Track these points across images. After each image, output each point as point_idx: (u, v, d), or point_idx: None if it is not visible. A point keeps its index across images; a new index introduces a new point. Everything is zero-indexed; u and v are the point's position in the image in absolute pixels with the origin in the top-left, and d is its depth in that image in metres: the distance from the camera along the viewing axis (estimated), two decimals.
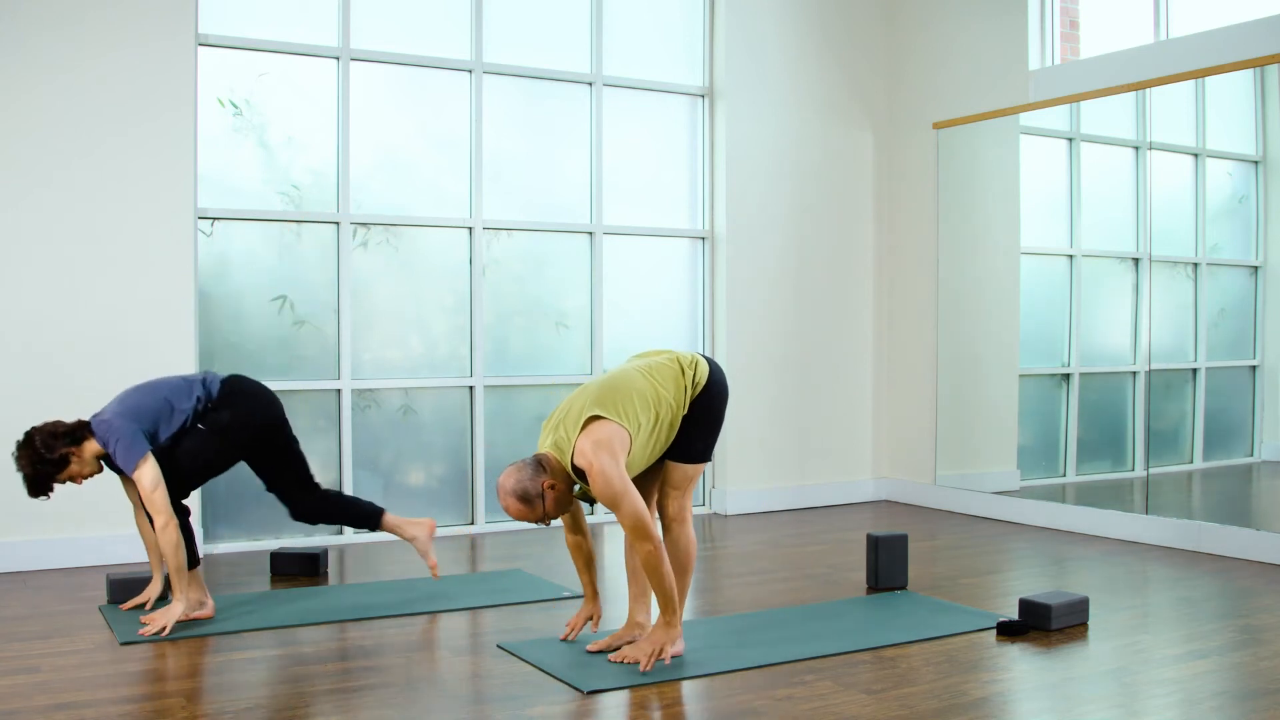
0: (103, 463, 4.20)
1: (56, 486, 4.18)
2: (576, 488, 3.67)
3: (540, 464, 3.58)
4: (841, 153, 7.19)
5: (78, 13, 5.25)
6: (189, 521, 4.30)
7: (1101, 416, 6.53)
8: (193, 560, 4.26)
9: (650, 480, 3.86)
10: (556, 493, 3.57)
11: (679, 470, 3.79)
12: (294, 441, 4.53)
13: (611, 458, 3.49)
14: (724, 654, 3.83)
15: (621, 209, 6.70)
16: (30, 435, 4.10)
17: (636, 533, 3.51)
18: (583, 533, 3.89)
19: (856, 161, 7.25)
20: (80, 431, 4.13)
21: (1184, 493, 6.09)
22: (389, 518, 4.66)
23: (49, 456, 4.07)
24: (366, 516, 4.65)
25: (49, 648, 3.94)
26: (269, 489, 4.55)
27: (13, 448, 4.13)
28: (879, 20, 7.29)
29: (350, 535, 5.93)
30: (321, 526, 5.90)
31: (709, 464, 3.84)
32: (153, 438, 4.17)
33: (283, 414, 4.46)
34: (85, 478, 4.19)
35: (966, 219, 6.89)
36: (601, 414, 3.57)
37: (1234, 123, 5.90)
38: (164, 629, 4.07)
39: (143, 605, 4.44)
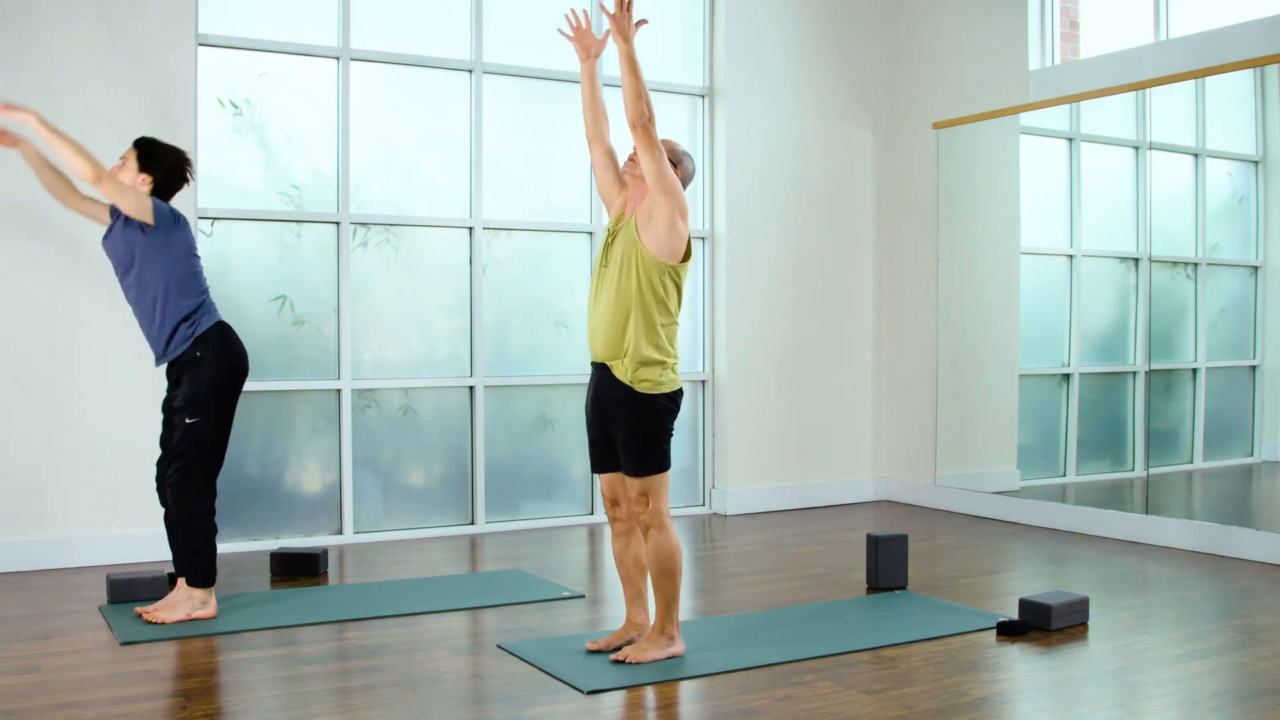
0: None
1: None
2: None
3: None
4: (841, 153, 7.19)
5: (78, 13, 5.25)
6: (215, 538, 4.30)
7: (1101, 416, 6.53)
8: (210, 578, 4.27)
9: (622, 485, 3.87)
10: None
11: (628, 483, 3.76)
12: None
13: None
14: (724, 654, 3.83)
15: None
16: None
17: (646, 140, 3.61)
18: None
19: (856, 161, 7.25)
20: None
21: (1184, 493, 6.09)
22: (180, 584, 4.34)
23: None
24: (179, 561, 4.29)
25: (49, 648, 3.94)
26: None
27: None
28: (879, 20, 7.29)
29: (350, 535, 5.93)
30: (323, 525, 5.91)
31: (666, 473, 3.77)
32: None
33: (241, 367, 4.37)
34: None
35: (966, 219, 6.89)
36: None
37: (1234, 123, 5.90)
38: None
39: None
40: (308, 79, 5.90)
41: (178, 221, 4.20)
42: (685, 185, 3.77)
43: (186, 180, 4.36)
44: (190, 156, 4.39)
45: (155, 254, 4.15)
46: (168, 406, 4.31)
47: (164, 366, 4.30)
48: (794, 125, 7.01)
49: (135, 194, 4.09)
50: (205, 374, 4.20)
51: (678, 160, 3.79)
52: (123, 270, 4.22)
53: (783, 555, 5.61)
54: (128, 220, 4.15)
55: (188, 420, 4.19)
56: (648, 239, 3.68)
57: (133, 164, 4.23)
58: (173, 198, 4.31)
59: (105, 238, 4.29)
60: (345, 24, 5.91)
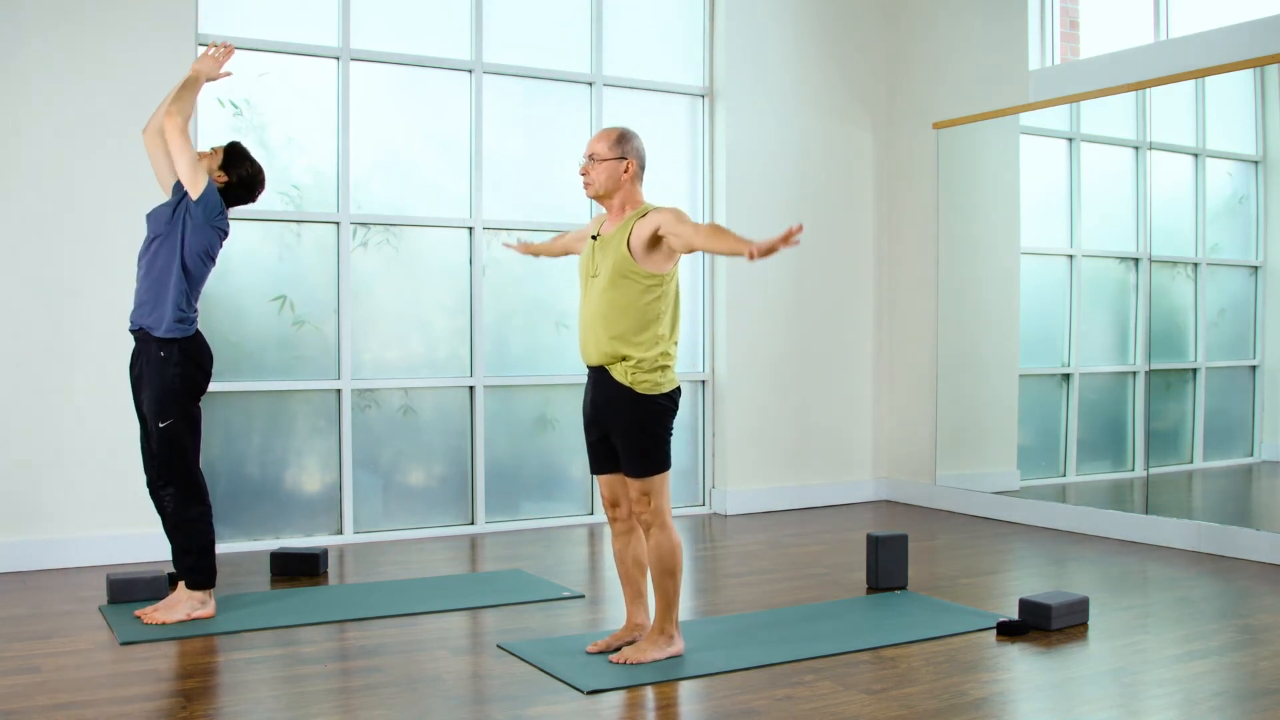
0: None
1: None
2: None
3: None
4: (841, 153, 7.19)
5: (78, 12, 5.25)
6: (214, 539, 4.30)
7: (1101, 416, 6.53)
8: (210, 580, 4.27)
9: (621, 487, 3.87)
10: (630, 172, 3.75)
11: (629, 484, 3.77)
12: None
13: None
14: (724, 654, 3.83)
15: None
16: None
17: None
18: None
19: (856, 162, 7.25)
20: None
21: (1184, 493, 6.09)
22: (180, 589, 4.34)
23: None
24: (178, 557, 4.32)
25: (49, 648, 3.94)
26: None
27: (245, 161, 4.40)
28: (879, 20, 7.29)
29: (350, 535, 5.93)
30: (323, 525, 5.91)
31: (666, 473, 3.79)
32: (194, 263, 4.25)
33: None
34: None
35: (966, 219, 6.89)
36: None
37: (1234, 123, 5.90)
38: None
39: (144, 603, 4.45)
40: (308, 79, 5.90)
41: (216, 219, 4.24)
42: (641, 167, 3.81)
43: (253, 199, 4.45)
44: (265, 182, 4.48)
45: (182, 231, 4.20)
46: (139, 411, 4.33)
47: (129, 363, 4.33)
48: (794, 125, 7.01)
49: (197, 164, 4.19)
50: (170, 373, 4.20)
51: (628, 139, 3.80)
52: (150, 235, 4.28)
53: (783, 555, 5.61)
54: (183, 197, 4.23)
55: (160, 424, 4.20)
56: (642, 258, 3.68)
57: (219, 158, 4.33)
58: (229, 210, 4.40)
59: (155, 208, 4.36)
60: (345, 24, 5.91)
